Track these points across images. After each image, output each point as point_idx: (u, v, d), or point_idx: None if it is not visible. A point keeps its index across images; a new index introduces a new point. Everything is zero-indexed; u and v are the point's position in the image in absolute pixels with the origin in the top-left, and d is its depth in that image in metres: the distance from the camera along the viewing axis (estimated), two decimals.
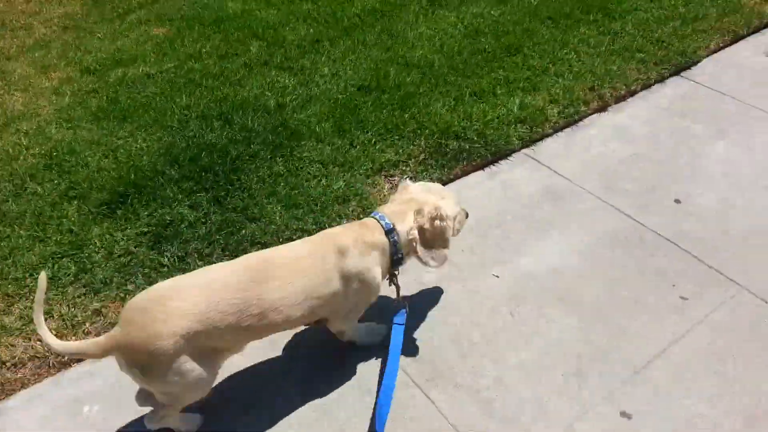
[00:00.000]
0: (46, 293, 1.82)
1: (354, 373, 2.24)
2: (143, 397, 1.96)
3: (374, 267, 1.99)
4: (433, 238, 2.06)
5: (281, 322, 1.85)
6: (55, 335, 1.91)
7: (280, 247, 2.01)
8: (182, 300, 1.74)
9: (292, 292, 1.84)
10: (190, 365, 1.76)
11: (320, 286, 1.90)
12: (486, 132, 3.27)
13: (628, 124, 3.45)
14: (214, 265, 1.97)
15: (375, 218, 2.07)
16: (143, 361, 1.72)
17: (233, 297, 1.77)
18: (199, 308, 1.73)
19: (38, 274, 1.91)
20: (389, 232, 2.02)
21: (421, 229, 2.05)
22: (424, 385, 2.19)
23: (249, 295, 1.79)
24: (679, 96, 3.64)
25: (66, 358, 2.28)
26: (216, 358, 1.86)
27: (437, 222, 2.05)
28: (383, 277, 2.07)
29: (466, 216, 2.28)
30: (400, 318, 2.14)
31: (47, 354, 2.32)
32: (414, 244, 2.05)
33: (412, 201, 2.10)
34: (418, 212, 2.06)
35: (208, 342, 1.77)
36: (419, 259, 2.08)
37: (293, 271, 1.87)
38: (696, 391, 2.14)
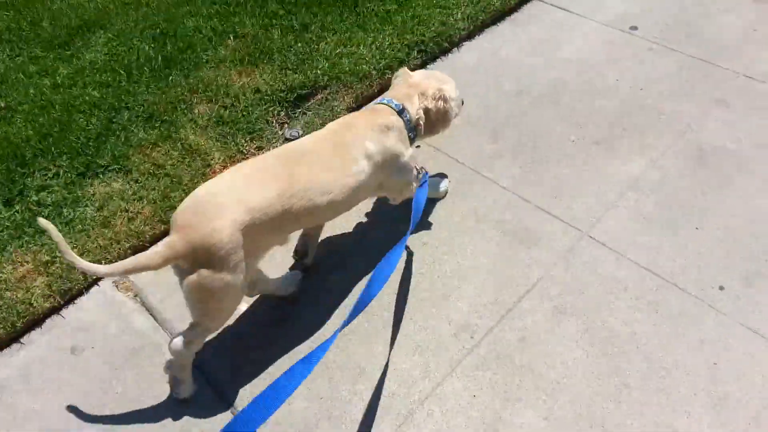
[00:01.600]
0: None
1: None
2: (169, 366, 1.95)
3: (396, 143, 2.08)
4: (437, 118, 2.21)
5: (322, 204, 1.88)
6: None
7: (301, 139, 2.05)
8: (229, 195, 1.76)
9: (326, 174, 1.89)
10: (240, 266, 1.76)
11: (347, 166, 1.95)
12: None
13: None
14: (242, 163, 1.99)
15: (383, 103, 2.16)
16: (205, 258, 1.69)
17: (274, 182, 1.80)
18: (245, 197, 1.75)
19: None
20: (400, 112, 2.13)
21: (426, 110, 2.18)
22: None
23: (288, 178, 1.82)
24: None
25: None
26: (263, 253, 1.90)
27: (440, 103, 2.19)
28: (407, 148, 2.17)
29: (462, 103, 2.40)
30: (424, 179, 2.23)
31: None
32: (420, 123, 2.18)
33: (416, 85, 2.22)
34: (422, 94, 2.19)
35: (260, 233, 1.78)
36: (423, 136, 2.24)
37: (321, 157, 1.92)
38: None
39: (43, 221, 1.70)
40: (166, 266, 1.73)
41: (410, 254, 2.37)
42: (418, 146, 2.57)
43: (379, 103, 2.19)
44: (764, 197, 2.53)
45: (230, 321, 2.10)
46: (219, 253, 1.69)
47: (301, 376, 1.60)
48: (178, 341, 1.86)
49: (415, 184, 2.23)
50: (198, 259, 1.70)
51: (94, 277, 2.31)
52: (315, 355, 1.63)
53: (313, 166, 1.90)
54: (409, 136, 2.17)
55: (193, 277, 1.72)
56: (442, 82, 2.27)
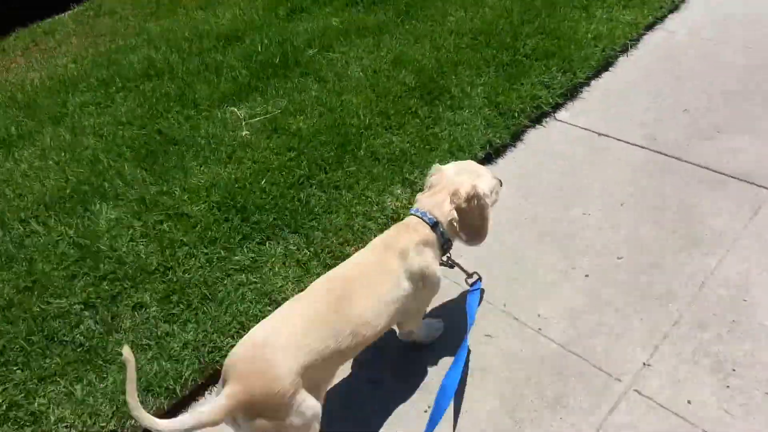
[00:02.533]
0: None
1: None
2: None
3: (432, 262, 2.05)
4: (473, 216, 2.10)
5: (370, 335, 1.90)
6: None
7: (345, 264, 2.04)
8: (284, 339, 1.75)
9: (375, 303, 1.90)
10: (308, 401, 1.76)
11: (393, 291, 1.95)
12: None
13: None
14: (291, 299, 1.97)
15: (416, 215, 2.09)
16: (268, 408, 1.68)
17: (327, 321, 1.81)
18: (302, 342, 1.75)
19: None
20: (434, 226, 2.07)
21: (459, 209, 2.09)
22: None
23: (340, 316, 1.83)
24: None
25: None
26: (319, 392, 1.86)
27: (474, 201, 2.09)
28: (438, 270, 2.12)
29: (500, 184, 2.29)
30: (476, 287, 2.27)
31: None
32: (454, 224, 2.09)
33: (449, 185, 2.12)
34: (455, 194, 2.09)
35: (315, 373, 1.78)
36: (460, 238, 2.14)
37: (368, 285, 1.93)
38: None
39: (126, 350, 1.60)
40: (228, 418, 1.67)
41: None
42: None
43: (412, 214, 2.11)
44: None
45: None
46: (283, 401, 1.68)
47: None
48: None
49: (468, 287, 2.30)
50: (264, 409, 1.68)
51: None
52: None
53: (362, 297, 1.89)
54: (445, 247, 2.13)
55: (258, 425, 1.68)
56: (476, 176, 2.15)
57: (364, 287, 1.90)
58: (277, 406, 1.67)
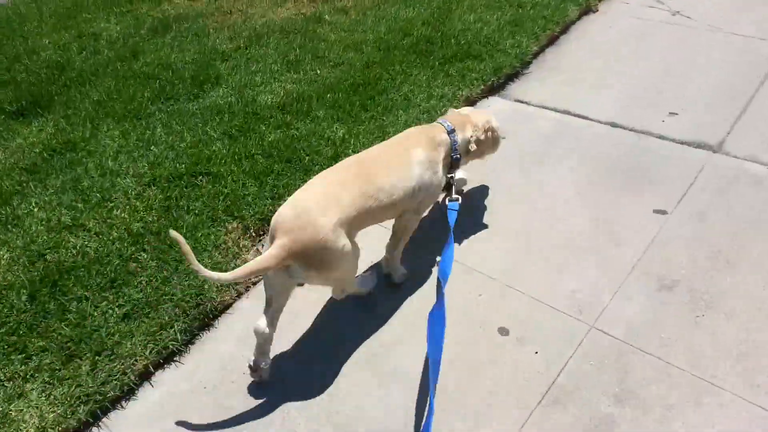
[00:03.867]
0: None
1: None
2: (268, 325, 2.10)
3: (439, 162, 2.35)
4: (488, 145, 2.59)
5: (389, 204, 2.17)
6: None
7: (372, 147, 2.38)
8: (323, 198, 2.03)
9: (395, 177, 2.18)
10: (348, 245, 2.03)
11: (408, 173, 2.24)
12: None
13: None
14: (324, 171, 2.24)
15: (439, 122, 2.47)
16: (317, 254, 1.95)
17: (355, 185, 2.09)
18: (338, 199, 2.03)
19: None
20: (450, 132, 2.42)
21: (478, 139, 2.50)
22: None
23: (365, 182, 2.11)
24: None
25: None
26: (353, 237, 2.14)
27: (490, 133, 2.56)
28: (443, 173, 2.41)
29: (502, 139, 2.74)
30: (453, 205, 2.43)
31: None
32: (471, 148, 2.49)
33: (468, 117, 2.56)
34: (474, 125, 2.51)
35: (350, 225, 2.05)
36: (475, 156, 2.57)
37: (391, 162, 2.22)
38: None
39: (173, 233, 1.90)
40: (281, 266, 1.95)
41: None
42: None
43: (437, 122, 2.48)
44: None
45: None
46: (328, 244, 1.95)
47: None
48: (262, 322, 2.09)
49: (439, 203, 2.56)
50: (313, 255, 1.95)
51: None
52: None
53: (382, 170, 2.18)
54: (453, 158, 2.42)
55: (315, 271, 1.99)
56: (488, 115, 2.64)
57: (384, 165, 2.21)
58: (325, 251, 1.95)
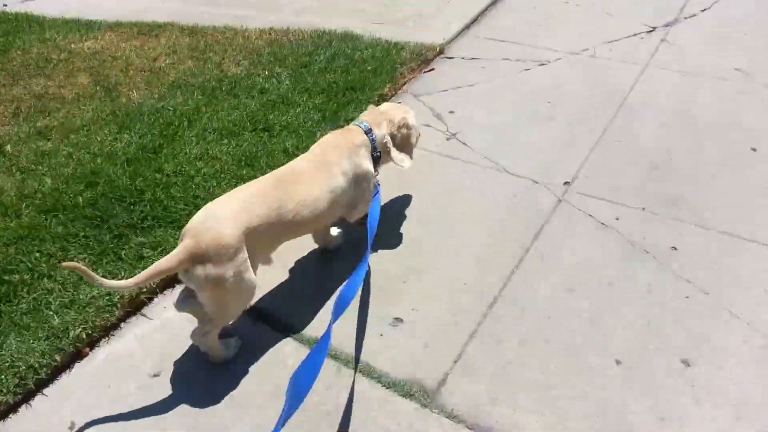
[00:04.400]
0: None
1: None
2: (181, 301, 2.10)
3: (364, 161, 2.36)
4: (402, 143, 2.53)
5: (310, 216, 2.16)
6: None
7: (295, 160, 2.31)
8: (234, 206, 2.02)
9: (314, 189, 2.17)
10: (246, 265, 2.00)
11: (332, 184, 2.23)
12: None
13: None
14: (248, 182, 2.20)
15: (356, 125, 2.45)
16: (212, 259, 1.91)
17: (272, 197, 2.08)
18: (247, 208, 2.02)
19: None
20: (367, 132, 2.41)
21: (392, 135, 2.49)
22: None
23: (283, 194, 2.10)
24: None
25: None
26: (256, 264, 2.08)
27: (404, 130, 2.51)
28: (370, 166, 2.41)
29: (419, 134, 2.69)
30: (375, 189, 2.46)
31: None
32: (388, 146, 2.47)
33: (385, 113, 2.53)
34: (390, 122, 2.50)
35: (257, 240, 2.03)
36: (391, 157, 2.50)
37: (310, 174, 2.21)
38: None
39: (66, 264, 1.87)
40: (182, 268, 1.93)
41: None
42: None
43: (353, 125, 2.46)
44: None
45: None
46: (228, 252, 1.93)
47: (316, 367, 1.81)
48: (197, 332, 2.12)
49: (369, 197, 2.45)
50: (210, 257, 1.91)
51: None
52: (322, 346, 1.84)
53: (302, 184, 2.16)
54: (373, 155, 2.42)
55: (205, 273, 1.91)
56: (405, 112, 2.58)
57: (306, 176, 2.20)
58: (221, 256, 1.92)
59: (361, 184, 2.34)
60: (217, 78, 3.83)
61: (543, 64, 3.89)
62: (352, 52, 3.99)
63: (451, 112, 3.49)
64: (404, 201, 2.89)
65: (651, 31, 4.12)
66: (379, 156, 2.44)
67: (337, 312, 1.95)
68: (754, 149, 3.03)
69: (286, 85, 3.69)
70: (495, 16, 4.54)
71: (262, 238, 2.05)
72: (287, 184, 2.13)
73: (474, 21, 4.48)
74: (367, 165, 2.36)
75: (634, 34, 4.10)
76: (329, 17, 4.71)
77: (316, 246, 2.65)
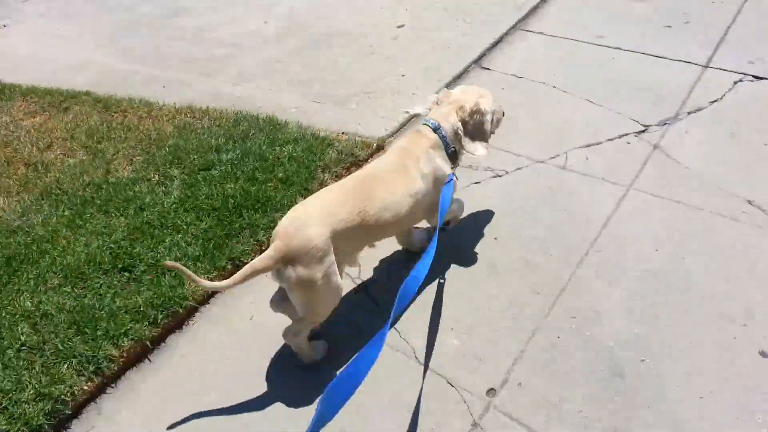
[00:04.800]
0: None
1: None
2: (277, 301, 2.23)
3: (439, 161, 2.36)
4: (474, 130, 2.42)
5: (392, 221, 2.21)
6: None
7: (373, 164, 2.36)
8: (321, 210, 2.10)
9: (394, 194, 2.21)
10: (333, 267, 2.08)
11: (412, 188, 2.27)
12: None
13: None
14: (323, 188, 2.29)
15: (425, 123, 2.41)
16: (303, 260, 2.00)
17: (354, 202, 2.14)
18: (333, 212, 2.09)
19: None
20: (436, 129, 2.37)
21: (463, 122, 2.41)
22: None
23: (365, 199, 2.15)
24: None
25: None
26: (341, 268, 2.16)
27: (477, 116, 2.41)
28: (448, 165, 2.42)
29: (503, 114, 2.63)
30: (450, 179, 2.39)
31: None
32: (459, 134, 2.40)
33: (455, 102, 2.44)
34: (460, 108, 2.41)
35: (343, 243, 2.11)
36: (464, 148, 2.43)
37: (389, 180, 2.24)
38: None
39: (168, 263, 2.04)
40: (275, 268, 2.03)
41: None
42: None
43: (424, 123, 2.42)
44: None
45: None
46: (316, 254, 2.02)
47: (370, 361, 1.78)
48: (289, 331, 2.22)
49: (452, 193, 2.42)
50: (299, 259, 2.00)
51: None
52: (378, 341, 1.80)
53: (382, 188, 2.21)
54: (449, 152, 2.39)
55: (295, 273, 2.01)
56: (479, 96, 2.45)
57: (385, 181, 2.23)
58: (310, 258, 2.01)
59: (438, 187, 2.35)
60: (97, 184, 3.16)
61: (498, 176, 3.11)
62: (268, 149, 3.27)
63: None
64: None
65: (642, 131, 3.29)
66: (454, 151, 2.42)
67: (400, 305, 1.92)
68: (763, 354, 2.20)
69: (174, 197, 3.00)
70: None
71: (347, 241, 2.13)
72: (368, 189, 2.19)
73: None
74: (442, 166, 2.37)
75: (619, 136, 3.28)
76: (269, 88, 4.02)
77: (400, 247, 2.73)
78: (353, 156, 3.23)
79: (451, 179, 2.37)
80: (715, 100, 3.46)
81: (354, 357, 1.77)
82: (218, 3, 5.38)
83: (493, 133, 2.52)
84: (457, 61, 4.06)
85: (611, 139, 3.26)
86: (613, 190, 2.93)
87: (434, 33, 4.45)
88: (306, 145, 3.27)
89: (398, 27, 4.63)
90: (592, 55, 3.96)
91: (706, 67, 3.73)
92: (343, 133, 3.45)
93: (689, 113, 3.39)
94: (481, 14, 4.63)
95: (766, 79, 3.58)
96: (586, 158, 3.15)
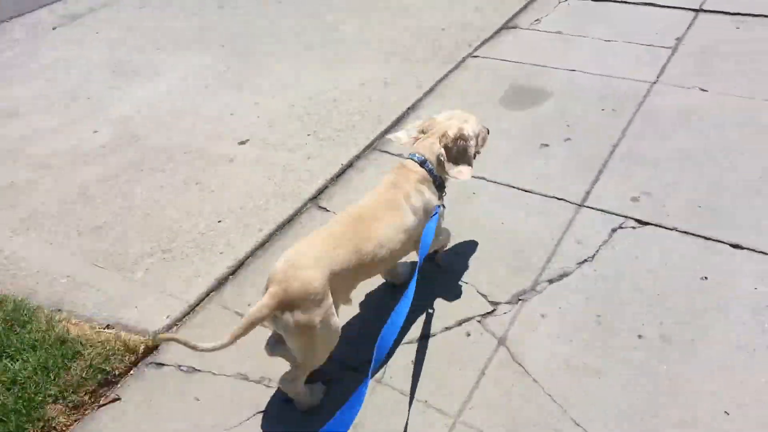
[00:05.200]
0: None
1: None
2: (272, 345, 2.19)
3: (429, 195, 2.40)
4: (458, 155, 2.44)
5: (387, 256, 2.23)
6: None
7: (362, 202, 2.33)
8: (316, 252, 2.07)
9: (387, 230, 2.22)
10: (332, 309, 2.05)
11: (405, 222, 2.29)
12: None
13: None
14: (315, 230, 2.24)
15: (410, 157, 2.44)
16: (301, 305, 1.96)
17: (350, 241, 2.13)
18: (330, 254, 2.07)
19: None
20: (422, 163, 2.40)
21: (447, 148, 2.43)
22: None
23: (360, 238, 2.15)
24: None
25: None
26: (337, 308, 2.12)
27: (461, 142, 2.44)
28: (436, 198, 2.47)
29: (488, 132, 2.64)
30: (435, 212, 2.43)
31: None
32: (442, 160, 2.41)
33: (439, 128, 2.47)
34: (443, 135, 2.43)
35: (339, 284, 2.08)
36: (448, 173, 2.45)
37: (381, 216, 2.25)
38: None
39: (161, 336, 2.17)
40: (270, 316, 1.97)
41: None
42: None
43: (408, 157, 2.45)
44: None
45: None
46: (315, 298, 1.98)
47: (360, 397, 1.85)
48: (286, 378, 2.16)
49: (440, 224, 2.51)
50: (297, 304, 1.96)
51: None
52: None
53: (376, 225, 2.21)
54: (437, 183, 2.44)
55: (294, 319, 1.96)
56: (462, 122, 2.49)
57: (377, 218, 2.24)
58: (309, 303, 1.97)
59: (428, 218, 2.38)
60: None
61: None
62: None
63: None
64: None
65: (489, 314, 2.56)
66: (442, 181, 2.47)
67: (379, 357, 1.94)
68: None
69: None
70: (267, 264, 2.87)
71: (343, 281, 2.11)
72: (361, 226, 2.19)
73: (235, 272, 2.95)
74: (431, 199, 2.40)
75: (463, 321, 2.54)
76: (52, 240, 3.21)
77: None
78: (103, 372, 2.41)
79: (437, 213, 2.42)
80: (585, 260, 2.75)
81: (335, 415, 1.83)
82: (56, 103, 4.60)
83: (478, 152, 2.57)
84: (292, 199, 3.32)
85: (457, 324, 2.53)
86: (435, 421, 2.17)
87: (278, 153, 3.72)
88: (42, 357, 2.44)
89: (240, 144, 3.90)
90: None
91: (581, 206, 3.05)
92: (108, 326, 2.63)
93: (550, 282, 2.67)
94: (340, 125, 3.92)
95: (650, 225, 2.90)
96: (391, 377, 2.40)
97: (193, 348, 1.91)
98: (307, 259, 2.03)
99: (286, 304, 1.95)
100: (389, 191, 2.34)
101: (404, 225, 2.27)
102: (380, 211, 2.26)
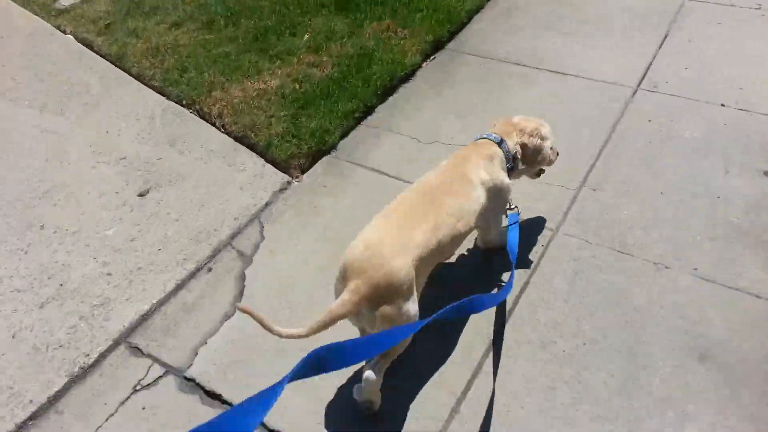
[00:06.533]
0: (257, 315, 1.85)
1: None
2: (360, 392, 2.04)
3: (500, 172, 2.29)
4: (534, 154, 2.41)
5: (465, 230, 2.13)
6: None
7: (427, 176, 2.23)
8: (394, 237, 1.91)
9: (461, 204, 2.12)
10: (415, 296, 1.92)
11: (473, 195, 2.17)
12: None
13: None
14: (386, 207, 2.09)
15: (484, 137, 2.38)
16: (388, 297, 1.83)
17: (426, 220, 1.99)
18: (411, 236, 1.92)
19: None
20: (500, 143, 2.34)
21: (523, 145, 2.38)
22: None
23: (436, 215, 2.02)
24: None
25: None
26: (419, 293, 2.00)
27: (536, 140, 2.40)
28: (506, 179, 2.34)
29: (557, 154, 2.59)
30: (514, 217, 2.41)
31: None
32: (518, 156, 2.37)
33: (516, 124, 2.44)
34: (521, 131, 2.40)
35: (420, 269, 1.94)
36: (520, 170, 2.42)
37: (453, 190, 2.14)
38: None
39: (240, 306, 1.85)
40: (355, 311, 1.83)
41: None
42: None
43: (479, 138, 2.38)
44: None
45: None
46: (401, 289, 1.84)
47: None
48: (370, 373, 1.95)
49: (505, 221, 2.43)
50: (384, 297, 1.83)
51: None
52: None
53: (446, 197, 2.09)
54: (507, 167, 2.34)
55: (381, 314, 1.83)
56: (540, 124, 2.46)
57: (450, 192, 2.12)
58: (395, 294, 1.83)
59: (496, 197, 2.28)
60: None
61: None
62: None
63: None
64: None
65: None
66: (512, 168, 2.38)
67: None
68: None
69: None
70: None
71: (423, 265, 1.97)
72: (435, 202, 2.06)
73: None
74: (503, 176, 2.30)
75: None
76: None
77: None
78: None
79: (516, 221, 2.36)
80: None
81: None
82: None
83: (549, 164, 2.54)
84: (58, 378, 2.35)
85: None
86: None
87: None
88: None
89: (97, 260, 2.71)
90: None
91: None
92: None
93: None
94: (185, 245, 2.85)
95: None
96: None
97: (269, 329, 1.78)
98: (389, 246, 1.88)
99: (371, 298, 1.82)
100: (455, 165, 2.25)
101: (475, 197, 2.18)
102: (450, 185, 2.15)
